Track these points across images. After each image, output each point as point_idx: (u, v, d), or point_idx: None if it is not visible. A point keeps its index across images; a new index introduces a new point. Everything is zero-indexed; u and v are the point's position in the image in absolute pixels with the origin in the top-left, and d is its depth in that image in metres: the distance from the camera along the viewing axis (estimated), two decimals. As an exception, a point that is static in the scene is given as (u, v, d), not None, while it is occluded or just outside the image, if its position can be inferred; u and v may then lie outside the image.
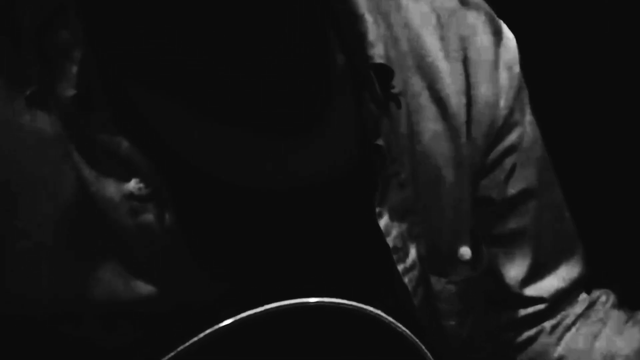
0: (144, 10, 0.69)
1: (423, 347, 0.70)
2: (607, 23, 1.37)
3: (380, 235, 0.78)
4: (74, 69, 0.68)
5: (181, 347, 0.66)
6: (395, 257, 0.79)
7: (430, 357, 0.70)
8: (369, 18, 0.78)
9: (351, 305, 0.68)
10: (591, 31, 1.39)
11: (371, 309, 0.69)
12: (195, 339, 0.66)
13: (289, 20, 0.72)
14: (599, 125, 1.40)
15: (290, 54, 0.73)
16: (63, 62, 0.69)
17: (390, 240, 0.79)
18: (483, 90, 0.83)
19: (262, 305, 0.68)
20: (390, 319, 0.70)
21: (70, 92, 0.69)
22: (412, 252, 0.80)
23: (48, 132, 0.69)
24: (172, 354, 0.66)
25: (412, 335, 0.70)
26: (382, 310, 0.71)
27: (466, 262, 0.84)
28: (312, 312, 0.68)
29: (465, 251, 0.84)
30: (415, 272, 0.81)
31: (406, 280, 0.80)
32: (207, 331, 0.66)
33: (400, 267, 0.79)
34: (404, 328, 0.70)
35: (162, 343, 0.68)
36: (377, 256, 0.79)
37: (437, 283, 0.83)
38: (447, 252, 0.83)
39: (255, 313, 0.67)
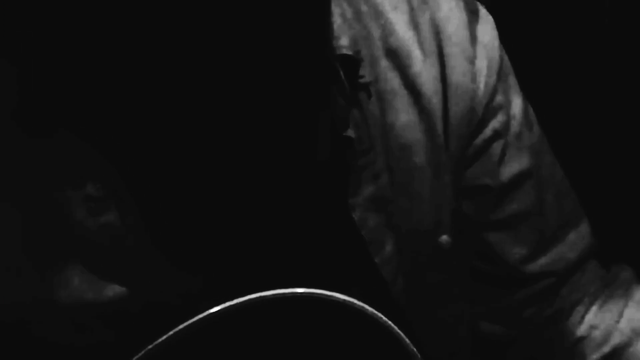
0: None
1: (407, 339, 0.70)
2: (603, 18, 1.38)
3: (356, 229, 0.77)
4: (13, 82, 0.67)
5: (163, 337, 0.66)
6: (371, 249, 0.78)
7: (413, 347, 0.70)
8: (334, 7, 0.77)
9: (332, 296, 0.68)
10: (583, 22, 1.39)
11: (355, 300, 0.69)
12: (178, 328, 0.66)
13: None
14: (603, 114, 1.40)
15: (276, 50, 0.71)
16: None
17: (365, 233, 0.78)
18: (459, 76, 0.81)
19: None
20: (373, 310, 0.69)
21: (12, 104, 0.67)
22: (390, 243, 0.80)
23: (2, 140, 0.68)
24: (156, 343, 0.66)
25: (396, 327, 0.69)
26: (362, 302, 0.72)
27: (447, 251, 0.83)
28: (297, 302, 0.68)
29: (445, 240, 0.82)
30: (393, 263, 0.80)
31: (384, 271, 0.79)
32: (191, 320, 0.66)
33: (377, 259, 0.79)
34: (386, 319, 0.69)
35: (141, 340, 0.67)
36: (354, 248, 0.78)
37: (416, 272, 0.82)
38: (427, 241, 0.82)
39: (241, 302, 0.67)
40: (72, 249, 0.69)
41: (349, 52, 0.76)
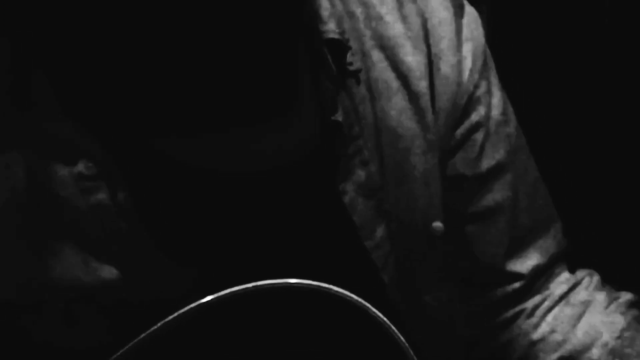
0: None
1: (400, 336, 0.69)
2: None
3: (347, 214, 0.78)
4: (7, 60, 0.68)
5: (154, 327, 0.66)
6: (362, 234, 0.79)
7: (405, 342, 0.70)
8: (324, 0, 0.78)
9: (324, 287, 0.68)
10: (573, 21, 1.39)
11: (347, 292, 0.69)
12: (169, 318, 0.66)
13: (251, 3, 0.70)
14: (586, 112, 1.40)
15: (256, 39, 0.72)
16: None
17: (356, 218, 0.79)
18: (445, 67, 0.83)
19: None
20: (368, 304, 0.69)
21: (6, 82, 0.68)
22: (381, 229, 0.80)
23: None
24: (147, 332, 0.65)
25: (388, 322, 0.69)
26: (353, 289, 0.72)
27: (439, 237, 0.83)
28: (289, 293, 0.68)
29: (438, 226, 0.83)
30: (384, 249, 0.80)
31: (375, 256, 0.80)
32: (183, 309, 0.66)
33: (368, 244, 0.79)
34: (380, 314, 0.69)
35: (130, 337, 0.67)
36: (345, 234, 0.79)
37: (408, 259, 0.82)
38: (419, 228, 0.83)
39: (233, 292, 0.67)
40: (64, 229, 0.70)
41: (336, 36, 0.77)
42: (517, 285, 0.89)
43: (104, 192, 0.70)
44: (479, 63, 0.85)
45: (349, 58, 0.79)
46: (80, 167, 0.69)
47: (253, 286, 0.67)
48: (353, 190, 0.78)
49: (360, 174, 0.79)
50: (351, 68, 0.79)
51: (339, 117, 0.77)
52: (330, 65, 0.77)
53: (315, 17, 0.77)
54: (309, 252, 0.76)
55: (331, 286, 0.69)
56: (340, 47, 0.78)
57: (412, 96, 0.82)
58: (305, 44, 0.77)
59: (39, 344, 0.71)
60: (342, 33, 0.78)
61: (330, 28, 0.77)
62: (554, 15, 1.39)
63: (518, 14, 1.39)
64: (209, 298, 0.66)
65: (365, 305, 0.69)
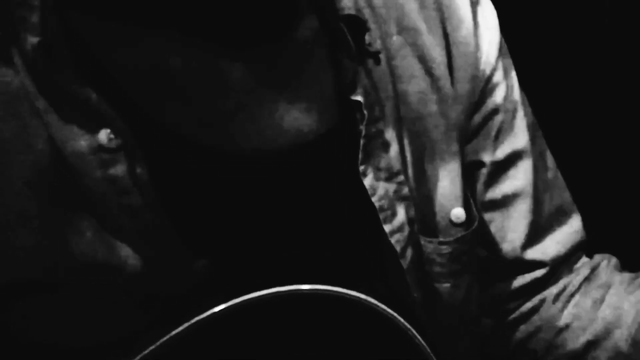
0: None
1: (417, 334, 0.69)
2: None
3: (366, 196, 0.77)
4: (35, 17, 0.65)
5: (170, 335, 0.65)
6: (381, 217, 0.77)
7: (425, 344, 0.69)
8: None
9: (343, 292, 0.67)
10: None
11: (367, 297, 0.68)
12: (183, 327, 0.65)
13: None
14: (596, 101, 1.40)
15: None
16: (23, 11, 0.66)
17: (376, 200, 0.77)
18: (463, 51, 0.83)
19: (250, 284, 0.66)
20: (383, 306, 0.68)
21: (34, 40, 0.65)
22: (401, 213, 0.78)
23: (14, 85, 0.66)
24: (163, 340, 0.65)
25: (405, 322, 0.68)
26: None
27: (459, 224, 0.82)
28: (304, 298, 0.67)
29: (459, 212, 0.82)
30: (403, 233, 0.79)
31: (393, 241, 0.78)
32: (197, 318, 0.65)
33: (387, 228, 0.78)
34: (395, 314, 0.69)
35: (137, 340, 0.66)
36: (364, 218, 0.77)
37: (428, 245, 0.81)
38: (439, 213, 0.82)
39: (248, 299, 0.66)
40: (83, 201, 0.68)
41: (353, 12, 0.76)
42: (539, 273, 0.88)
43: (122, 166, 0.68)
44: (495, 49, 0.85)
45: (367, 39, 0.77)
46: (102, 136, 0.67)
47: (267, 294, 0.66)
48: (373, 173, 0.77)
49: (381, 156, 0.78)
50: (371, 49, 0.78)
51: (359, 97, 0.76)
52: (349, 42, 0.75)
53: None
54: (327, 235, 0.75)
55: (344, 290, 0.68)
56: (358, 24, 0.76)
57: (433, 80, 0.81)
58: (322, 22, 0.76)
59: (33, 344, 0.69)
60: (359, 11, 0.77)
61: (347, 5, 0.76)
62: (554, 15, 1.40)
63: (518, 14, 1.39)
64: (221, 307, 0.66)
65: (378, 306, 0.68)
